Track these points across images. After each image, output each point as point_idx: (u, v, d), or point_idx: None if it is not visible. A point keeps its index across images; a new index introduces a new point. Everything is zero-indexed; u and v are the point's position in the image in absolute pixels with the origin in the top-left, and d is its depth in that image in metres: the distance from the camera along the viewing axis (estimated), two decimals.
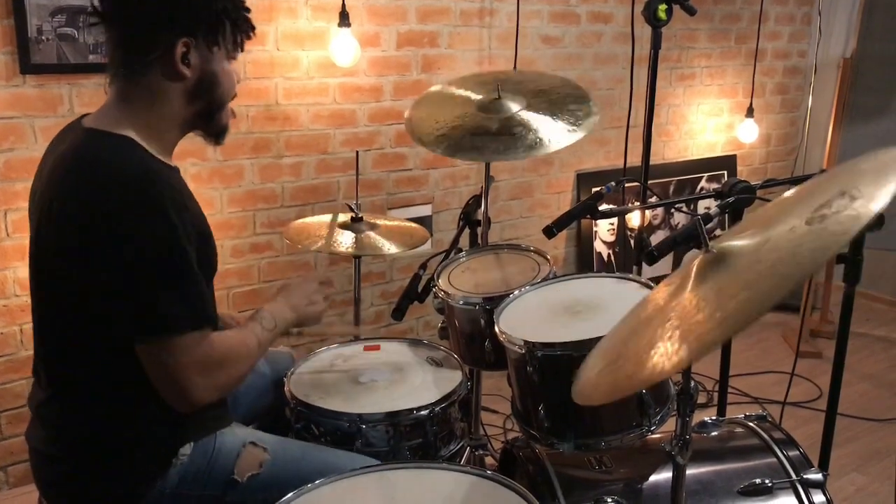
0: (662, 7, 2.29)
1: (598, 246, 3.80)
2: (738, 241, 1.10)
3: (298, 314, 1.58)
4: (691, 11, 2.31)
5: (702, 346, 0.95)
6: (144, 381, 1.34)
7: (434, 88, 2.26)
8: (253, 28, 1.44)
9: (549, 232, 1.85)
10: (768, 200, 2.31)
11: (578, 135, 1.96)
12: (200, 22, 1.34)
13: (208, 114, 1.43)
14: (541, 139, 1.95)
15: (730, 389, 2.73)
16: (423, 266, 2.18)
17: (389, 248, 2.17)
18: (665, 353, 0.99)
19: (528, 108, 2.05)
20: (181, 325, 1.28)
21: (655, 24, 2.32)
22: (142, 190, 1.25)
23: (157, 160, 1.35)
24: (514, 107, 2.05)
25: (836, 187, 1.04)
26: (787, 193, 1.21)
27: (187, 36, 1.33)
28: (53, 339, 1.38)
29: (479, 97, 2.11)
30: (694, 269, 1.12)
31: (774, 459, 1.65)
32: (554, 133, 1.97)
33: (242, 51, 1.45)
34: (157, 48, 1.33)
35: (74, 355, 1.35)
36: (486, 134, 1.99)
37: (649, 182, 2.59)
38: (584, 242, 3.75)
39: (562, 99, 2.07)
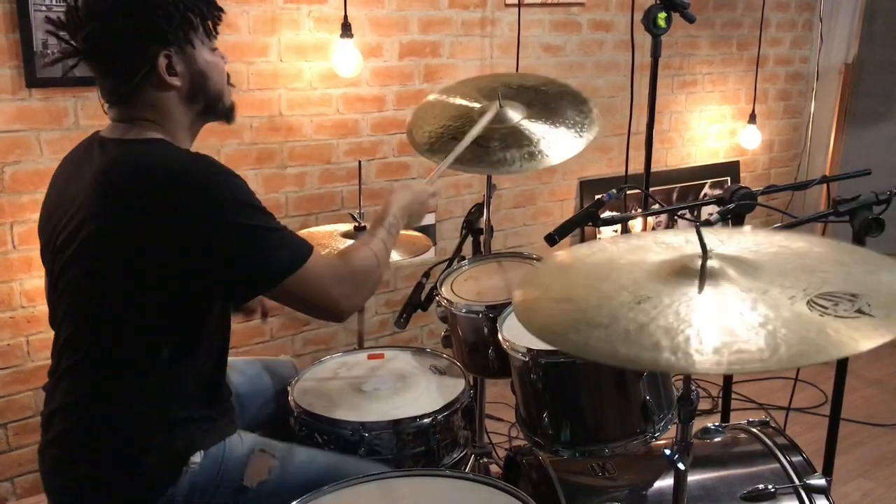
0: (662, 15, 2.30)
1: None
2: (733, 272, 1.10)
3: (410, 215, 1.70)
4: (690, 19, 2.32)
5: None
6: (161, 388, 1.35)
7: (431, 97, 2.25)
8: (219, 9, 1.43)
9: (551, 240, 1.85)
10: (769, 207, 2.33)
11: (579, 146, 1.98)
12: (171, 30, 1.34)
13: (210, 107, 1.46)
14: (542, 151, 1.97)
15: (734, 395, 2.73)
16: (427, 274, 2.18)
17: (392, 256, 2.18)
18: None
19: (529, 117, 2.05)
20: (303, 252, 1.36)
21: (655, 32, 2.33)
22: (199, 167, 1.32)
23: None
24: (515, 116, 2.06)
25: (847, 282, 1.05)
26: (782, 229, 1.21)
27: (164, 47, 1.34)
28: (87, 342, 1.37)
29: (478, 105, 2.12)
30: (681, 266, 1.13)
31: (777, 465, 1.65)
32: (554, 145, 1.98)
33: (218, 33, 1.45)
34: (139, 70, 1.34)
35: (107, 359, 1.35)
36: (486, 146, 2.00)
37: (652, 189, 2.60)
38: None
39: (562, 109, 2.09)
